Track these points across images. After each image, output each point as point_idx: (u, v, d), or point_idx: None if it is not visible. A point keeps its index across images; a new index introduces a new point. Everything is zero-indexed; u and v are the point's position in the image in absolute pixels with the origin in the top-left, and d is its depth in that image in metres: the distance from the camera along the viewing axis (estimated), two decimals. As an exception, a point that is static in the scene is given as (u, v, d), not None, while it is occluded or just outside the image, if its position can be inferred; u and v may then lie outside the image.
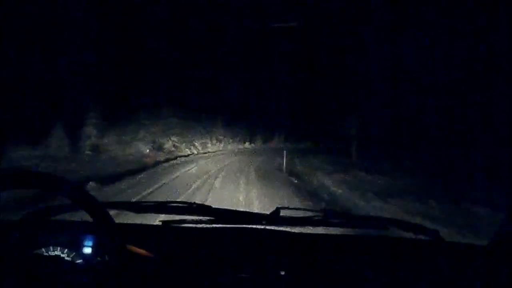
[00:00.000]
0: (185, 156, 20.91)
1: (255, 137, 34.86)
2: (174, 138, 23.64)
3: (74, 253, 1.11)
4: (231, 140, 31.90)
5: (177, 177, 11.02)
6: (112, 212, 0.98)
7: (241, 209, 1.42)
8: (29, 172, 0.89)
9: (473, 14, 11.92)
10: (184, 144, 24.32)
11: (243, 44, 28.64)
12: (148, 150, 18.56)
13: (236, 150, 29.05)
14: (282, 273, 1.13)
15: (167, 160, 16.62)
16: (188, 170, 13.28)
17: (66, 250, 1.12)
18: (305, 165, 15.23)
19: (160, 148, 21.12)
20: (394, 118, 15.98)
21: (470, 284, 1.15)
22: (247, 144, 33.22)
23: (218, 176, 11.13)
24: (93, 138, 17.24)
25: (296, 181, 10.72)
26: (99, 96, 17.34)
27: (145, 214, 1.43)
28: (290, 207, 1.62)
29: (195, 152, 24.41)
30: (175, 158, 18.44)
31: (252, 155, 23.39)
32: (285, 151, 14.44)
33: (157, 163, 15.11)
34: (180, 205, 1.42)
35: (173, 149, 22.37)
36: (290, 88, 34.28)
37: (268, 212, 1.41)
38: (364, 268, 1.18)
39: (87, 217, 0.95)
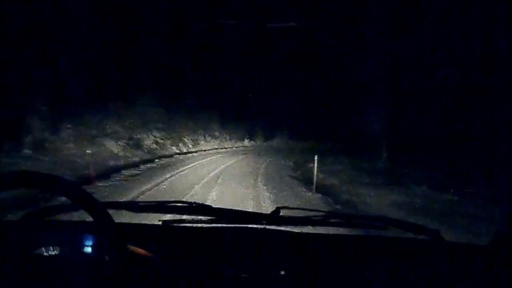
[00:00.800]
0: (168, 156, 16.68)
1: (255, 134, 32.43)
2: (157, 133, 19.30)
3: (74, 253, 1.11)
4: (228, 137, 28.55)
5: (142, 193, 7.56)
6: (112, 212, 0.98)
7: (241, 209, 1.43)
8: (29, 172, 0.89)
9: (474, 14, 11.92)
10: (169, 141, 19.99)
11: (242, 43, 27.84)
12: (90, 151, 12.81)
13: (234, 149, 25.49)
14: (282, 273, 1.14)
15: (140, 163, 12.76)
16: (164, 181, 9.28)
17: (66, 250, 1.12)
18: (336, 176, 11.23)
19: (137, 145, 16.72)
20: (394, 118, 15.74)
21: (470, 284, 1.15)
22: (246, 142, 30.61)
23: (208, 195, 7.56)
24: (37, 132, 12.62)
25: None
26: (49, 75, 12.99)
27: (145, 214, 1.44)
28: (290, 207, 1.63)
29: (184, 150, 20.21)
30: (153, 160, 14.48)
31: (255, 155, 19.85)
32: (316, 157, 9.63)
33: (126, 166, 11.50)
34: (180, 205, 1.42)
35: (154, 146, 18.08)
36: (289, 87, 33.70)
37: (268, 212, 1.41)
38: (364, 268, 1.18)
39: (87, 217, 0.96)
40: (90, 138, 14.70)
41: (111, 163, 11.90)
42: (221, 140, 27.29)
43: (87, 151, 12.78)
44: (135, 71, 18.19)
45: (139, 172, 11.03)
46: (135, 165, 12.42)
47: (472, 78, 12.46)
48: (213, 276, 1.12)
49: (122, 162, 12.32)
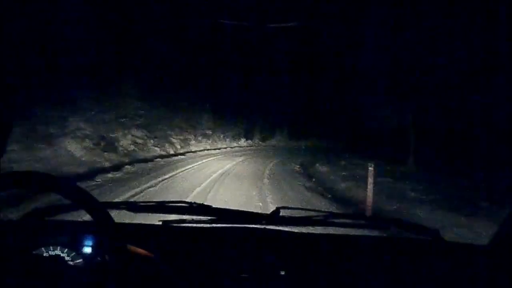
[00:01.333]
0: (147, 161, 13.09)
1: (252, 133, 29.89)
2: (136, 132, 15.85)
3: (74, 253, 1.11)
4: (222, 136, 25.70)
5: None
6: (112, 212, 0.98)
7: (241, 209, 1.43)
8: (29, 172, 0.89)
9: (474, 14, 11.84)
10: (152, 141, 16.52)
11: (241, 43, 27.14)
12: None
13: (229, 150, 22.10)
14: (282, 273, 1.14)
15: (104, 172, 9.69)
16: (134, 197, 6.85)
17: (66, 250, 1.12)
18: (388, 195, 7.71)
19: (110, 147, 13.40)
20: (394, 118, 15.55)
21: (470, 284, 1.16)
22: (243, 141, 27.84)
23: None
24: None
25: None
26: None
27: (145, 214, 1.44)
28: (290, 207, 1.63)
29: (171, 152, 16.70)
30: (122, 166, 10.98)
31: (254, 158, 16.83)
32: (371, 167, 6.50)
33: (81, 177, 8.66)
34: (180, 205, 1.42)
35: (131, 148, 14.55)
36: (288, 84, 32.56)
37: (268, 212, 1.41)
38: (364, 268, 1.18)
39: (87, 217, 0.96)
40: (46, 138, 11.10)
41: (64, 171, 9.12)
42: (214, 140, 24.05)
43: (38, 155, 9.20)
44: (113, 56, 14.75)
45: (91, 187, 7.67)
46: (94, 174, 9.15)
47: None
48: (213, 276, 1.12)
49: (81, 170, 9.57)
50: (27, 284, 0.87)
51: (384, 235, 1.45)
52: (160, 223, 1.41)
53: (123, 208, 1.44)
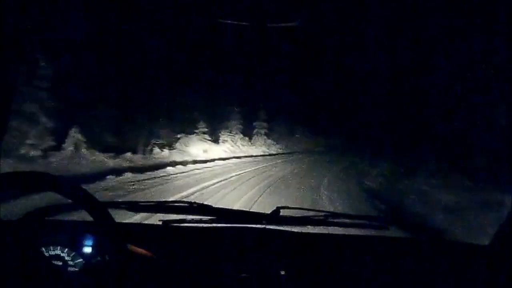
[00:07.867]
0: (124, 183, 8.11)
1: (250, 141, 24.64)
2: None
3: (74, 253, 1.11)
4: (217, 140, 20.10)
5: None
6: (112, 212, 0.98)
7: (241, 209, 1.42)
8: (29, 172, 0.89)
9: (474, 14, 11.79)
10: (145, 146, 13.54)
11: (241, 43, 26.69)
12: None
13: (223, 163, 14.34)
14: (282, 273, 1.14)
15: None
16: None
17: (66, 250, 1.12)
18: None
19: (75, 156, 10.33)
20: (394, 118, 15.46)
21: (470, 284, 1.15)
22: (243, 145, 22.68)
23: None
24: None
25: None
26: None
27: (145, 214, 1.44)
28: (290, 207, 1.63)
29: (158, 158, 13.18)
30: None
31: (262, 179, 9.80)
32: None
33: None
34: (180, 205, 1.42)
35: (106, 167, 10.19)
36: (289, 88, 32.64)
37: (268, 212, 1.41)
38: (364, 268, 1.18)
39: (87, 217, 0.96)
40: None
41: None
42: (211, 147, 18.35)
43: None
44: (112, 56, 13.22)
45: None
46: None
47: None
48: (213, 276, 1.12)
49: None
50: (27, 284, 0.86)
51: (384, 235, 1.44)
52: (160, 223, 1.41)
53: (123, 208, 1.44)
